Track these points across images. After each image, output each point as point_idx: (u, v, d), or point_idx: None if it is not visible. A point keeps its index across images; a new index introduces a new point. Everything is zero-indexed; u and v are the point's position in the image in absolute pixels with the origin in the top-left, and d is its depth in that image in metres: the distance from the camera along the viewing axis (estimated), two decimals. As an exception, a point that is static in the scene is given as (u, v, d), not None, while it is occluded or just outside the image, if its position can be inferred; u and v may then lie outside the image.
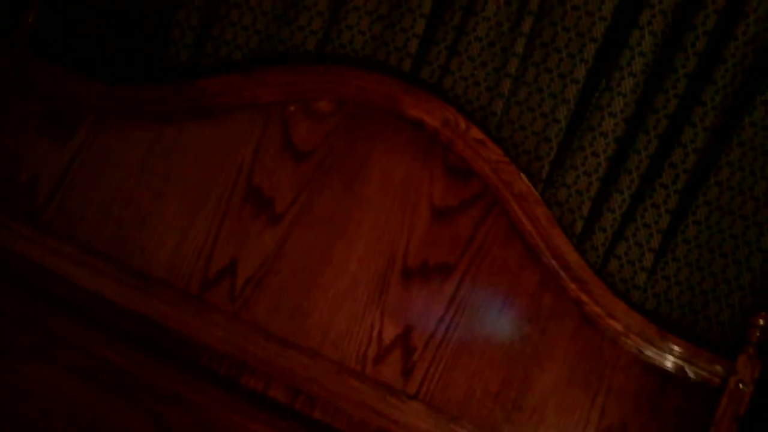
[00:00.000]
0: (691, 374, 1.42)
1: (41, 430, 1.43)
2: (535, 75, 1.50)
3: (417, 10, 1.47)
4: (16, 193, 1.57)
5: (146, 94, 1.56)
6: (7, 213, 1.55)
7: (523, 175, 1.44)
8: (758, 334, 1.37)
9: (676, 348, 1.42)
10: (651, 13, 1.44)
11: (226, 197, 1.51)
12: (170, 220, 1.52)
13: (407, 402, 1.45)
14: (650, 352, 1.43)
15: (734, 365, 1.40)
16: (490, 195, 1.45)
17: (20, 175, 1.57)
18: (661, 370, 1.43)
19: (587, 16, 1.45)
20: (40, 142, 1.58)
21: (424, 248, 1.47)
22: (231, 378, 1.48)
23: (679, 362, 1.42)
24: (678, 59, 1.44)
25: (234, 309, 1.49)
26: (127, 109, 1.55)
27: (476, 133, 1.44)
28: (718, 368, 1.41)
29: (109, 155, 1.56)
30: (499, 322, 1.45)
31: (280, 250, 1.49)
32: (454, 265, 1.46)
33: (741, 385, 1.39)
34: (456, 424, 1.44)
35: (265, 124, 1.51)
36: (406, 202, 1.48)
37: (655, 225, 1.47)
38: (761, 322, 1.37)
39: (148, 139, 1.54)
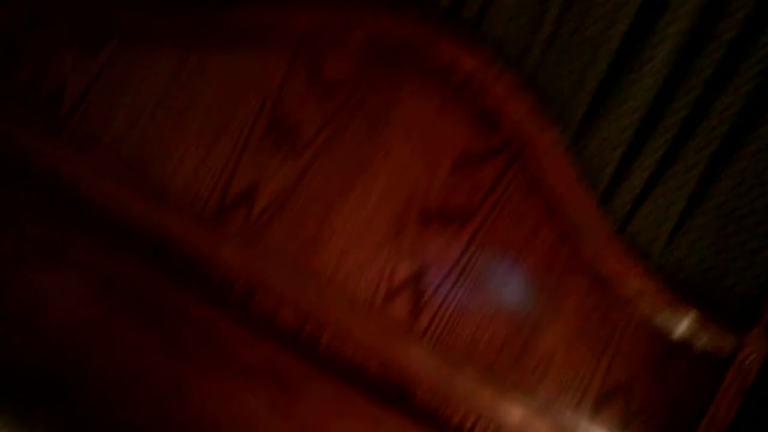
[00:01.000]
0: (700, 344, 1.47)
1: (41, 331, 1.52)
2: (576, 23, 1.49)
3: (460, -50, 1.50)
4: (43, 100, 1.63)
5: (172, 20, 1.58)
6: (31, 119, 1.62)
7: (551, 127, 1.46)
8: (773, 309, 1.42)
9: (688, 316, 1.46)
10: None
11: (250, 125, 1.56)
12: (192, 144, 1.56)
13: (413, 341, 1.51)
14: (662, 318, 1.47)
15: (745, 338, 1.45)
16: (516, 145, 1.47)
17: (47, 83, 1.63)
18: (671, 337, 1.47)
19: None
20: (68, 54, 1.63)
21: (444, 193, 1.50)
22: (241, 300, 1.53)
23: (690, 331, 1.46)
24: (722, 25, 1.45)
25: (249, 233, 1.54)
26: (152, 33, 1.59)
27: (508, 80, 1.46)
28: (729, 340, 1.45)
29: (133, 76, 1.60)
30: (512, 273, 1.49)
31: (300, 181, 1.54)
32: (473, 213, 1.50)
33: (749, 360, 1.45)
34: (460, 368, 1.49)
35: (294, 56, 1.55)
36: (430, 144, 1.51)
37: (681, 190, 1.49)
38: (778, 298, 1.42)
39: (172, 65, 1.57)
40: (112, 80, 1.59)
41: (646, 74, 1.47)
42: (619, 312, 1.47)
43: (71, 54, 1.59)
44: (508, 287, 1.48)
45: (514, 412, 1.48)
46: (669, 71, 1.49)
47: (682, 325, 1.46)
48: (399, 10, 1.49)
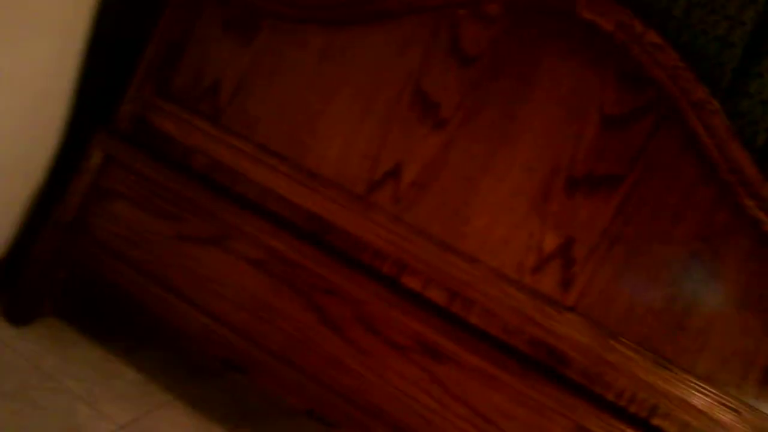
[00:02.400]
0: None
1: (207, 306, 1.70)
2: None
3: None
4: (202, 93, 1.83)
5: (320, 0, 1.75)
6: (193, 112, 1.82)
7: (701, 83, 1.46)
8: None
9: None
10: None
11: (394, 101, 1.67)
12: (340, 122, 1.69)
13: (564, 313, 1.55)
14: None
15: None
16: (665, 104, 1.48)
17: (206, 76, 1.83)
18: None
19: None
20: (224, 46, 1.82)
21: (591, 157, 1.53)
22: (391, 276, 1.65)
23: None
24: None
25: (397, 210, 1.66)
26: (301, 14, 1.74)
27: (653, 36, 1.47)
28: None
29: (284, 59, 1.74)
30: (668, 238, 1.50)
31: (444, 155, 1.64)
32: (623, 177, 1.51)
33: None
34: (615, 340, 1.51)
35: (435, 29, 1.65)
36: (574, 109, 1.54)
37: None
38: None
39: (320, 44, 1.72)
40: (266, 66, 1.74)
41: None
42: (786, 275, 1.43)
43: (226, 46, 1.79)
44: (664, 252, 1.46)
45: (672, 385, 1.47)
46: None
47: None
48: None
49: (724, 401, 1.41)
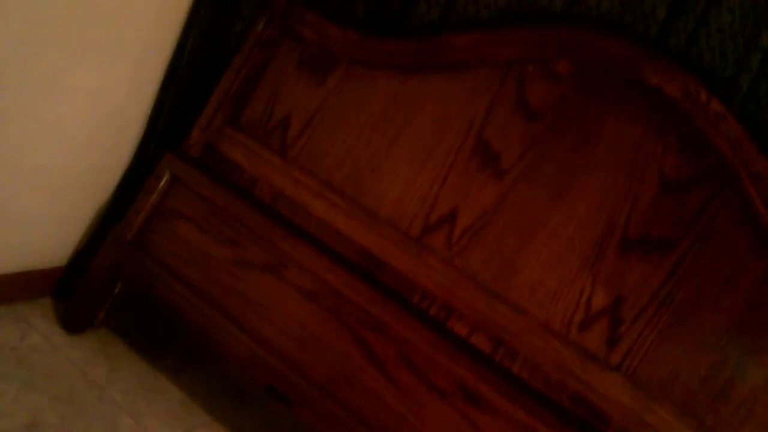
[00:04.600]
0: None
1: (255, 331, 1.76)
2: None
3: (670, -22, 1.60)
4: (272, 127, 1.92)
5: (394, 46, 1.81)
6: (262, 144, 1.91)
7: (763, 156, 1.50)
8: None
9: None
10: None
11: (456, 148, 1.74)
12: (401, 165, 1.77)
13: (608, 372, 1.58)
14: None
15: None
16: (724, 172, 1.51)
17: (276, 111, 1.93)
18: None
19: None
20: (297, 83, 1.90)
21: (647, 219, 1.57)
22: (438, 319, 1.69)
23: None
24: None
25: (449, 255, 1.72)
26: (375, 59, 1.82)
27: (717, 106, 1.52)
28: None
29: (354, 100, 1.84)
30: (717, 305, 1.52)
31: (500, 205, 1.69)
32: (677, 241, 1.54)
33: None
34: (656, 403, 1.53)
35: (502, 81, 1.72)
36: (634, 170, 1.59)
37: None
38: None
39: (391, 88, 1.81)
40: (336, 106, 1.83)
41: None
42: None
43: (299, 83, 1.88)
44: (712, 318, 1.49)
45: (714, 453, 1.48)
46: None
47: None
48: (604, 39, 1.61)
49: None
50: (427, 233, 1.69)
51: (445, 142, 1.70)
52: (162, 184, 1.84)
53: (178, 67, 1.86)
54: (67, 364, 1.76)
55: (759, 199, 1.46)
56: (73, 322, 1.89)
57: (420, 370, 1.64)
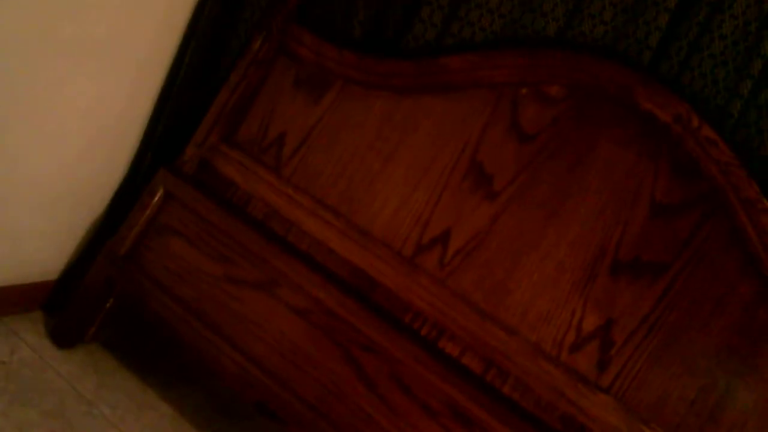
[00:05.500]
0: None
1: (247, 348, 1.76)
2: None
3: (662, 4, 1.61)
4: (267, 144, 1.94)
5: (391, 67, 1.83)
6: (256, 161, 1.93)
7: (753, 181, 1.52)
8: None
9: None
10: None
11: (450, 169, 1.76)
12: (395, 185, 1.79)
13: (598, 394, 1.59)
14: None
15: None
16: (715, 197, 1.54)
17: (272, 129, 1.94)
18: None
19: None
20: (292, 102, 1.92)
21: (638, 243, 1.59)
22: (430, 339, 1.70)
23: None
24: None
25: (442, 276, 1.74)
26: (371, 79, 1.85)
27: (708, 132, 1.55)
28: None
29: (349, 120, 1.85)
30: (707, 328, 1.54)
31: (492, 226, 1.71)
32: (668, 265, 1.56)
33: None
34: (646, 426, 1.54)
35: (496, 104, 1.75)
36: (626, 194, 1.61)
37: None
38: None
39: (386, 108, 1.83)
40: (331, 125, 1.85)
41: None
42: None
43: (295, 102, 1.90)
44: (702, 342, 1.51)
45: (702, 477, 1.50)
46: None
47: None
48: (598, 64, 1.64)
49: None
50: (420, 253, 1.70)
51: (439, 163, 1.71)
52: (156, 199, 1.85)
53: (175, 82, 1.88)
54: (57, 379, 1.76)
55: (749, 224, 1.48)
56: (63, 337, 1.89)
57: (410, 390, 1.64)
